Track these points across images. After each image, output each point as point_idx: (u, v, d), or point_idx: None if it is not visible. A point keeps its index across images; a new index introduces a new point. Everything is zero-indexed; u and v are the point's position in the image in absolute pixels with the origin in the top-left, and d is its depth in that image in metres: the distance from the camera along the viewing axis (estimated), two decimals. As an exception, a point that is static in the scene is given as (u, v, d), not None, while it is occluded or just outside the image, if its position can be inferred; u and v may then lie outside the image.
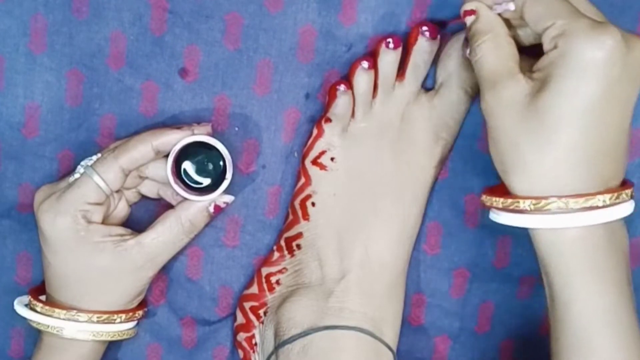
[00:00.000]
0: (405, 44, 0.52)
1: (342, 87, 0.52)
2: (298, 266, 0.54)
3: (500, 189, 0.46)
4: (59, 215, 0.48)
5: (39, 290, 0.53)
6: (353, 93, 0.52)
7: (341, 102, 0.52)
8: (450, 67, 0.52)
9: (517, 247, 0.56)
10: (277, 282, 0.54)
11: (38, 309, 0.50)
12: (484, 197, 0.48)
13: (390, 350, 0.52)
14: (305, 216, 0.53)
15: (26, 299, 0.53)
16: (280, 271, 0.54)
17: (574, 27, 0.41)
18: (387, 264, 0.52)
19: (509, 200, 0.44)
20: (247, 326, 0.55)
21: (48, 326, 0.50)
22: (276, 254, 0.55)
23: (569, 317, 0.44)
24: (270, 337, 0.53)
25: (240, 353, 0.56)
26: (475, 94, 0.53)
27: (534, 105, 0.42)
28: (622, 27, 0.52)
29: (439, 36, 0.52)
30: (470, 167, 0.55)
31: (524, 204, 0.43)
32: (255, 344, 0.55)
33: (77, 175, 0.49)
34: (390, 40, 0.51)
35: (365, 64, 0.52)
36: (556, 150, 0.42)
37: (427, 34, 0.51)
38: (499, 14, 0.46)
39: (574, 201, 0.42)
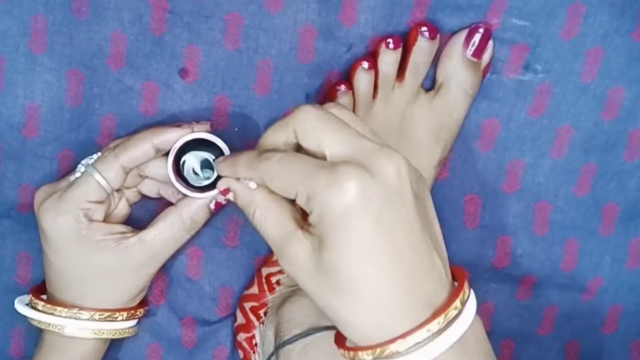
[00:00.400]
0: (405, 44, 0.52)
1: (342, 88, 0.52)
2: None
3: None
4: (60, 214, 0.48)
5: (40, 289, 0.53)
6: (353, 93, 0.52)
7: (341, 102, 0.52)
8: (450, 67, 0.52)
9: (517, 247, 0.57)
10: (278, 283, 0.54)
11: (39, 308, 0.50)
12: (339, 350, 0.42)
13: None
14: (305, 219, 0.53)
15: (26, 298, 0.53)
16: (280, 271, 0.54)
17: (314, 189, 0.38)
18: None
19: (351, 353, 0.40)
20: (247, 326, 0.55)
21: (49, 324, 0.50)
22: None
23: None
24: (270, 337, 0.53)
25: (240, 353, 0.56)
26: (475, 94, 0.53)
27: (319, 263, 0.39)
28: (622, 27, 0.52)
29: (438, 36, 0.52)
30: (470, 167, 0.55)
31: (364, 355, 0.39)
32: (256, 344, 0.55)
33: (78, 174, 0.50)
34: (390, 40, 0.51)
35: (365, 64, 0.52)
36: (363, 299, 0.38)
37: (426, 34, 0.51)
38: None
39: (403, 341, 0.37)
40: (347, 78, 0.53)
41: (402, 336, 0.37)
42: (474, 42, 0.52)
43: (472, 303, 0.39)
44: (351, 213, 0.37)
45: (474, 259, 0.56)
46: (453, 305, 0.38)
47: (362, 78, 0.52)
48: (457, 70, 0.52)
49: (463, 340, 0.38)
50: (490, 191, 0.56)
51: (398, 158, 0.39)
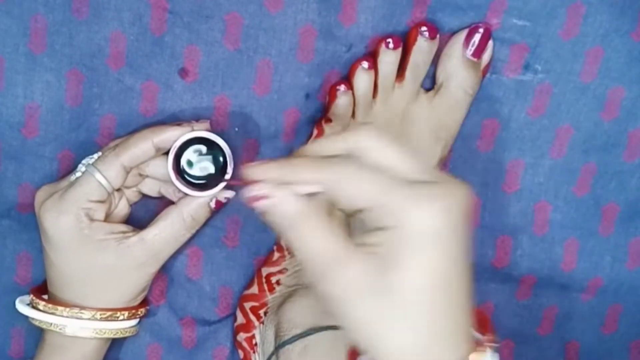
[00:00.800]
0: (405, 44, 0.52)
1: (342, 88, 0.52)
2: (298, 266, 0.54)
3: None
4: (61, 213, 0.48)
5: (41, 289, 0.53)
6: (353, 93, 0.52)
7: (341, 102, 0.52)
8: (450, 67, 0.52)
9: (517, 247, 0.57)
10: (278, 283, 0.54)
11: (40, 307, 0.50)
12: None
13: None
14: None
15: (27, 298, 0.53)
16: (280, 271, 0.54)
17: (396, 202, 0.36)
18: None
19: None
20: (247, 326, 0.55)
21: (51, 324, 0.50)
22: (276, 254, 0.55)
23: None
24: (270, 337, 0.53)
25: (241, 353, 0.56)
26: (475, 94, 0.53)
27: (381, 283, 0.36)
28: (622, 27, 0.52)
29: (438, 36, 0.52)
30: (470, 167, 0.55)
31: None
32: (256, 344, 0.55)
33: (78, 174, 0.50)
34: (390, 40, 0.51)
35: (365, 64, 0.52)
36: (417, 324, 0.37)
37: (426, 34, 0.51)
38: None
39: None
40: (347, 78, 0.53)
41: None
42: (474, 42, 0.52)
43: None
44: (437, 236, 0.36)
45: (474, 259, 0.56)
46: (489, 344, 0.38)
47: (362, 78, 0.52)
48: (457, 70, 0.52)
49: None
50: (490, 191, 0.56)
51: (468, 188, 0.38)
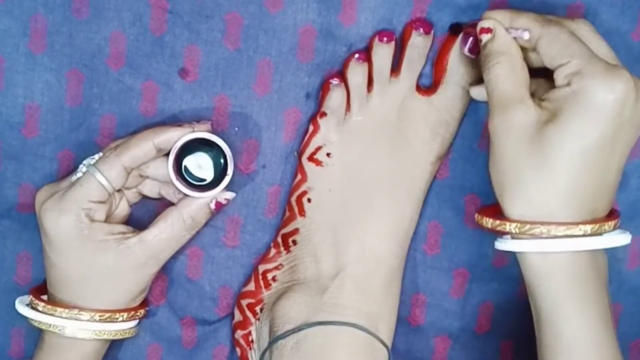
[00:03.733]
0: (401, 40, 0.52)
1: (335, 81, 0.53)
2: (293, 262, 0.54)
3: (494, 209, 0.48)
4: (62, 214, 0.48)
5: (40, 289, 0.53)
6: (347, 86, 0.52)
7: (334, 95, 0.52)
8: (448, 64, 0.52)
9: (517, 247, 0.56)
10: (274, 279, 0.54)
11: (40, 308, 0.50)
12: (477, 216, 0.49)
13: (385, 346, 0.52)
14: (302, 212, 0.53)
15: (27, 298, 0.53)
16: (276, 267, 0.55)
17: (588, 68, 0.43)
18: (382, 260, 0.52)
19: (497, 222, 0.46)
20: (244, 323, 0.55)
21: (50, 325, 0.50)
22: (273, 251, 0.55)
23: (555, 337, 0.46)
24: (265, 333, 0.53)
25: (238, 351, 0.56)
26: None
27: (541, 136, 0.43)
28: (622, 27, 0.52)
29: (432, 31, 0.52)
30: (470, 167, 0.55)
31: (509, 227, 0.45)
32: (252, 341, 0.55)
33: (79, 174, 0.50)
34: (383, 34, 0.52)
35: (357, 56, 0.52)
36: (555, 182, 0.44)
37: (421, 29, 0.52)
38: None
39: (556, 228, 0.44)
40: (341, 72, 0.53)
41: (555, 224, 0.44)
42: (472, 38, 0.52)
43: (616, 236, 0.46)
44: (603, 110, 0.42)
45: (474, 259, 0.56)
46: (609, 224, 0.45)
47: (355, 70, 0.52)
48: (455, 67, 0.52)
49: (598, 257, 0.45)
50: (490, 191, 0.55)
51: None
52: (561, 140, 0.43)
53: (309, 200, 0.53)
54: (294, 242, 0.54)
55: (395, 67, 0.53)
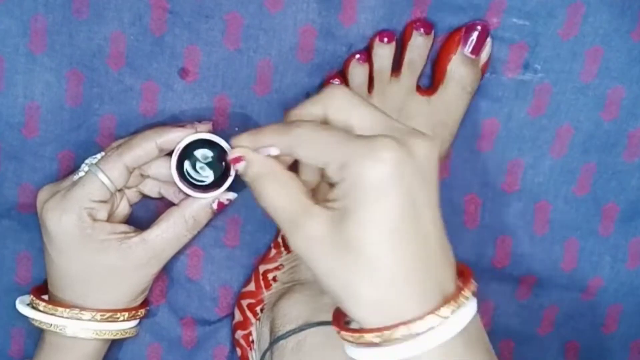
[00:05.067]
0: (401, 41, 0.52)
1: (336, 81, 0.53)
2: (294, 262, 0.54)
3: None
4: (64, 213, 0.48)
5: (41, 289, 0.53)
6: (348, 86, 0.53)
7: None
8: (448, 64, 0.52)
9: (517, 247, 0.57)
10: (274, 279, 0.54)
11: (41, 308, 0.50)
12: (339, 332, 0.42)
13: None
14: None
15: (27, 298, 0.53)
16: (277, 268, 0.55)
17: (350, 155, 0.38)
18: None
19: (356, 335, 0.39)
20: (244, 324, 0.55)
21: (51, 325, 0.50)
22: (273, 251, 0.55)
23: None
24: (266, 334, 0.53)
25: (238, 351, 0.56)
26: (473, 91, 0.53)
27: (340, 237, 0.38)
28: (622, 27, 0.52)
29: (433, 31, 0.52)
30: (470, 167, 0.55)
31: (370, 337, 0.39)
32: (252, 342, 0.55)
33: (81, 174, 0.50)
34: (383, 34, 0.52)
35: (358, 56, 0.52)
36: (382, 276, 0.38)
37: (421, 29, 0.52)
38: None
39: (416, 324, 0.38)
40: (342, 72, 0.53)
41: (413, 320, 0.38)
42: (472, 39, 0.52)
43: (473, 304, 0.40)
44: (386, 185, 0.37)
45: (474, 259, 0.56)
46: (464, 295, 0.39)
47: (356, 71, 0.52)
48: (455, 67, 0.52)
49: (467, 328, 0.39)
50: (490, 191, 0.56)
51: (431, 141, 0.39)
52: (364, 233, 0.38)
53: None
54: None
55: (396, 68, 0.53)
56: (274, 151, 0.42)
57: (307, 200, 0.40)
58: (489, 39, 0.52)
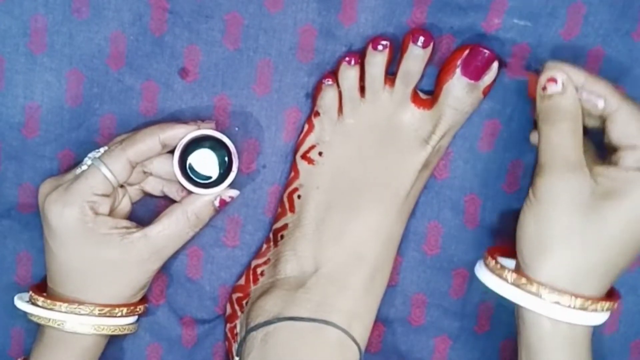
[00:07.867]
0: (401, 48, 0.52)
1: (328, 81, 0.53)
2: (277, 256, 0.54)
3: (501, 250, 0.49)
4: (66, 206, 0.48)
5: (40, 287, 0.53)
6: (339, 88, 0.52)
7: (326, 95, 0.52)
8: (446, 84, 0.51)
9: (517, 247, 0.56)
10: (262, 273, 0.55)
11: (39, 303, 0.50)
12: (487, 256, 0.49)
13: (357, 344, 0.52)
14: (292, 208, 0.54)
15: (26, 295, 0.53)
16: (265, 262, 0.55)
17: None
18: (363, 258, 0.52)
19: (523, 280, 0.45)
20: (232, 317, 0.55)
21: (49, 320, 0.50)
22: (264, 246, 0.55)
23: None
24: (244, 326, 0.54)
25: (226, 344, 0.56)
26: (471, 112, 0.52)
27: (595, 210, 0.43)
28: (622, 27, 0.52)
29: (431, 44, 0.51)
30: (470, 167, 0.55)
31: (533, 288, 0.45)
32: (236, 334, 0.55)
33: (84, 167, 0.50)
34: (377, 41, 0.51)
35: (348, 59, 0.52)
36: (596, 258, 0.44)
37: (419, 42, 0.51)
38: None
39: (583, 302, 0.44)
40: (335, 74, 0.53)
41: (589, 298, 0.44)
42: (475, 64, 0.50)
43: (605, 316, 0.46)
44: None
45: (474, 259, 0.56)
46: (610, 304, 0.45)
47: (346, 74, 0.52)
48: (452, 88, 0.51)
49: (591, 330, 0.46)
50: (490, 191, 0.56)
51: None
52: (617, 221, 0.43)
53: (299, 197, 0.54)
54: (282, 237, 0.54)
55: (392, 75, 0.52)
56: (601, 103, 0.44)
57: (583, 158, 0.44)
58: (495, 64, 0.51)
